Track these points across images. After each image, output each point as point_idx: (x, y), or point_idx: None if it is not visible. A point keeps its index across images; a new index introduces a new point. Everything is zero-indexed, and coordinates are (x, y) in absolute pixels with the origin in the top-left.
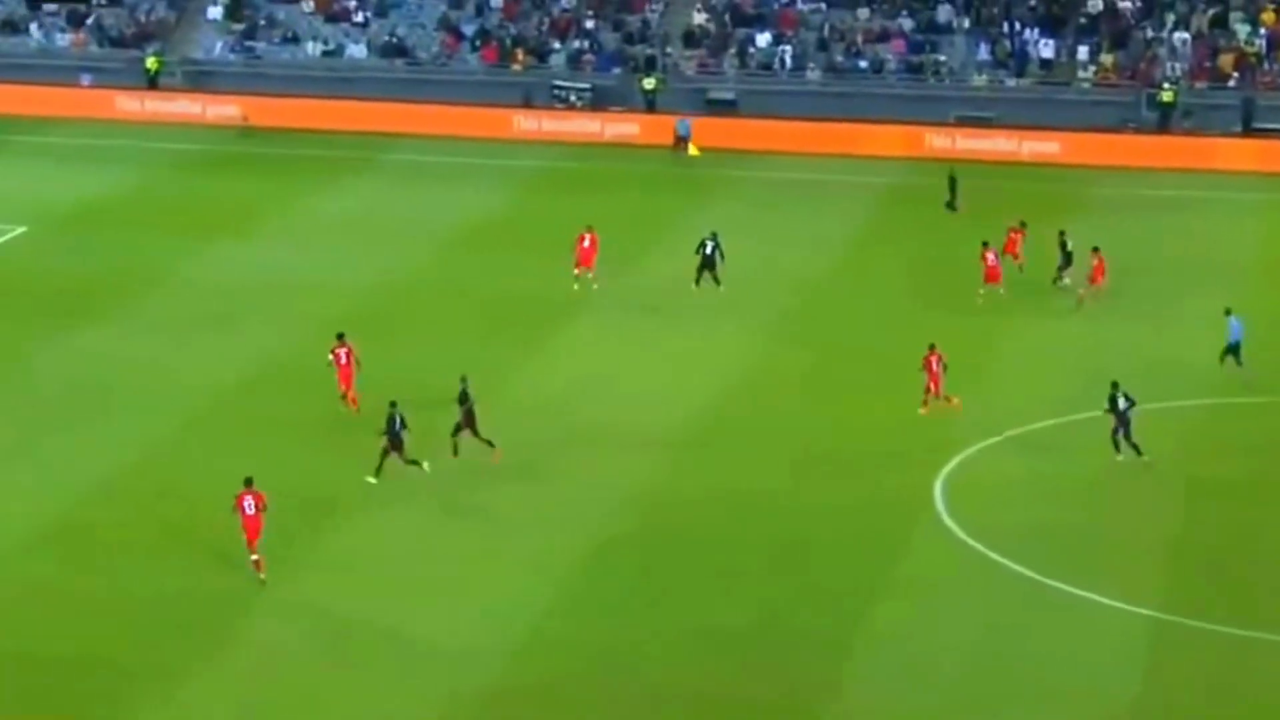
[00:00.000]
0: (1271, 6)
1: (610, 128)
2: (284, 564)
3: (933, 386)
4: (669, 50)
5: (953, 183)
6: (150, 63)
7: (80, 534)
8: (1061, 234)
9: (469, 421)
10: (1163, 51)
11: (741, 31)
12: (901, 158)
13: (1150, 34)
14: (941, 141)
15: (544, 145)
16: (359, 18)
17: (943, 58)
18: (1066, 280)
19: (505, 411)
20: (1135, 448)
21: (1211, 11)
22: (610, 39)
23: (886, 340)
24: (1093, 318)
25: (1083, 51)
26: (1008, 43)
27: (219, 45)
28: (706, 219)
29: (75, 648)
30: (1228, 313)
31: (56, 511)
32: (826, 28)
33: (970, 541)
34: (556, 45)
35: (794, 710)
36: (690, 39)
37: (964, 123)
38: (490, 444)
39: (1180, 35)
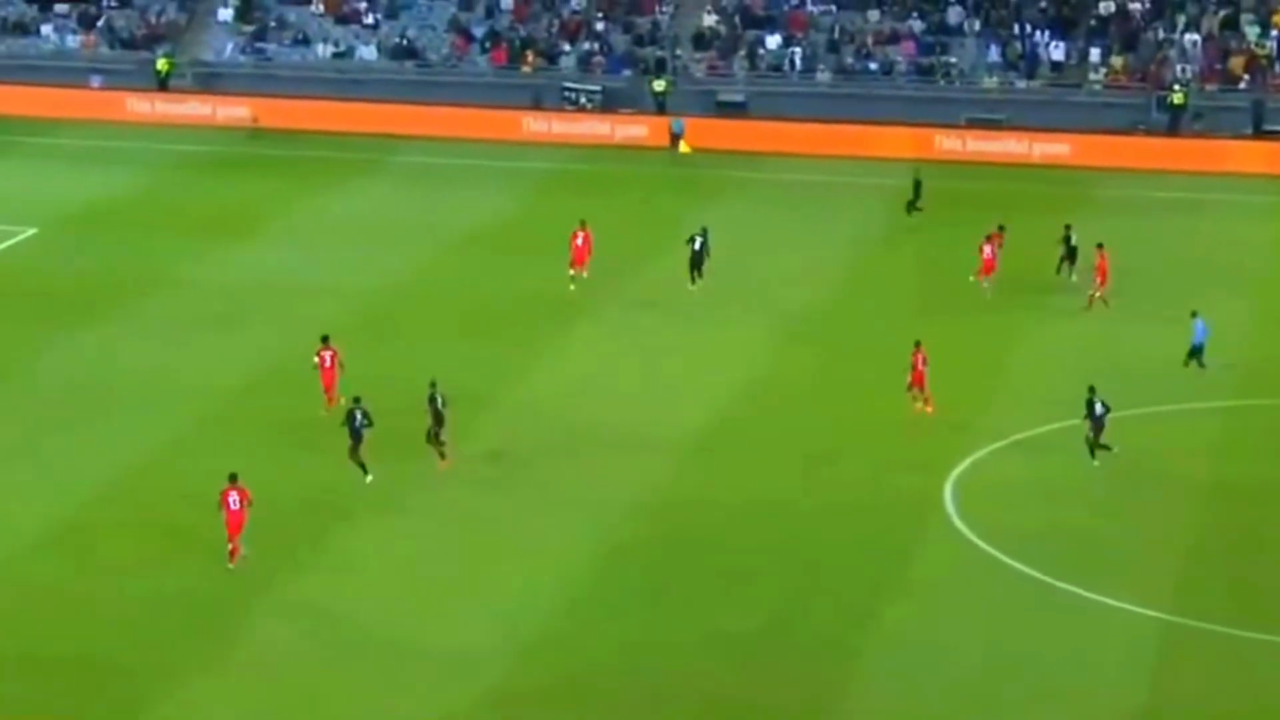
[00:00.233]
0: None
1: (620, 130)
2: (286, 565)
3: (915, 383)
4: (679, 52)
5: (917, 185)
6: (161, 64)
7: (82, 535)
8: (1067, 228)
9: (438, 424)
10: (1173, 54)
11: (751, 33)
12: (911, 159)
13: (1161, 36)
14: (951, 143)
15: (554, 147)
16: (369, 19)
17: (953, 60)
18: (1074, 278)
19: (512, 413)
20: (1105, 446)
21: (1222, 13)
22: (620, 41)
23: (895, 342)
24: (1103, 319)
25: (1093, 53)
26: (1018, 45)
27: (229, 47)
28: (717, 221)
29: (77, 648)
30: (1194, 314)
31: (58, 512)
32: (836, 30)
33: (980, 544)
34: (566, 47)
35: (803, 712)
36: (700, 41)
37: (974, 125)
38: (441, 453)
39: (1191, 37)
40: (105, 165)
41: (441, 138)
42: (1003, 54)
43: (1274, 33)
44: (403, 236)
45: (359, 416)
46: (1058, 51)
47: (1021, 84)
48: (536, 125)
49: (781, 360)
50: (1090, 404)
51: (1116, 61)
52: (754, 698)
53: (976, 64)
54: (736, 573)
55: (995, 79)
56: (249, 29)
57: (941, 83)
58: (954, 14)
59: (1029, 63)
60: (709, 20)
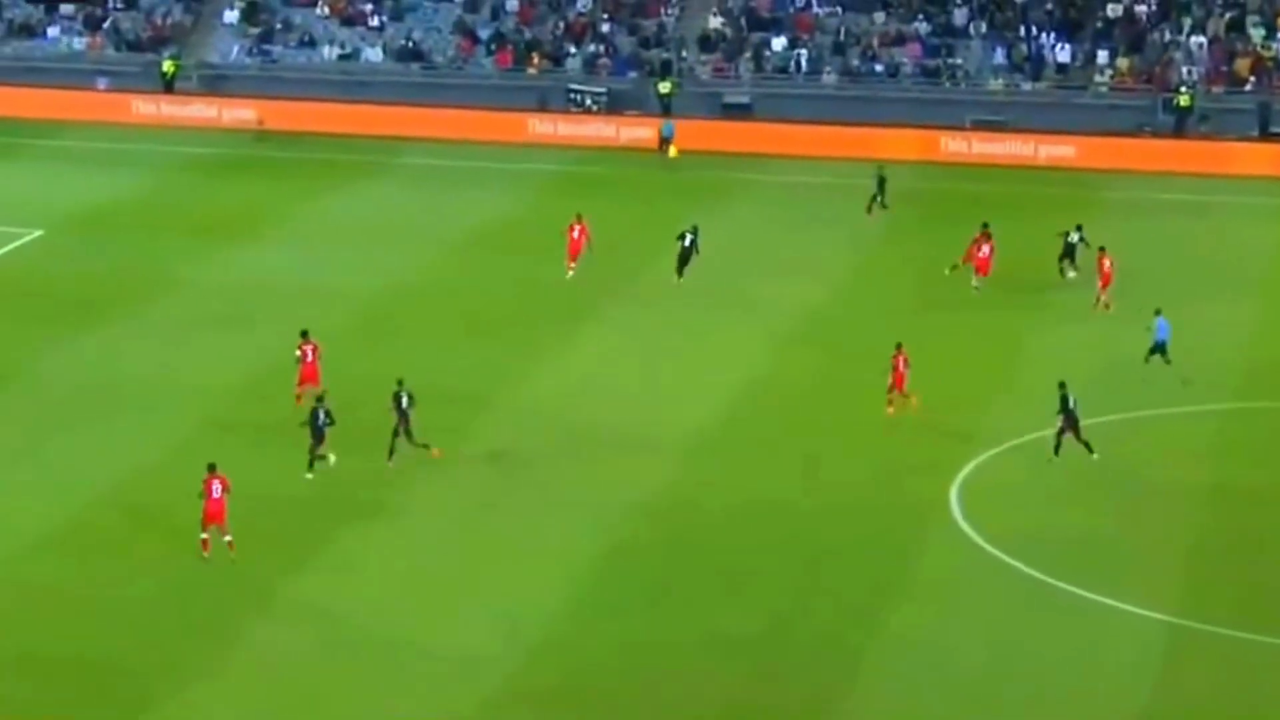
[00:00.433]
0: None
1: (625, 132)
2: (286, 565)
3: (897, 385)
4: (684, 54)
5: (881, 182)
6: (166, 66)
7: (83, 535)
8: (1078, 228)
9: (404, 424)
10: (1179, 56)
11: (757, 35)
12: (917, 161)
13: (1167, 38)
14: (957, 145)
15: (559, 149)
16: (374, 21)
17: (959, 61)
18: (1071, 274)
19: (513, 414)
20: (1086, 445)
21: (1228, 15)
22: (626, 43)
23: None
24: (1107, 321)
25: (1099, 55)
26: (1024, 46)
27: (235, 49)
28: (721, 223)
29: (77, 648)
30: (1157, 313)
31: (60, 512)
32: (842, 32)
33: (986, 546)
34: (572, 49)
35: (805, 713)
36: (706, 43)
37: (980, 126)
38: (390, 455)
39: (1197, 39)
40: (111, 167)
41: (447, 140)
42: (1008, 56)
43: None
44: (407, 238)
45: (322, 415)
46: (1063, 53)
47: (1027, 86)
48: (542, 127)
49: (782, 361)
50: (1064, 399)
51: (1122, 63)
52: (755, 698)
53: (982, 66)
54: (738, 573)
55: (1001, 81)
56: (254, 31)
57: (947, 85)
58: (959, 16)
59: (1034, 65)
60: (714, 22)
